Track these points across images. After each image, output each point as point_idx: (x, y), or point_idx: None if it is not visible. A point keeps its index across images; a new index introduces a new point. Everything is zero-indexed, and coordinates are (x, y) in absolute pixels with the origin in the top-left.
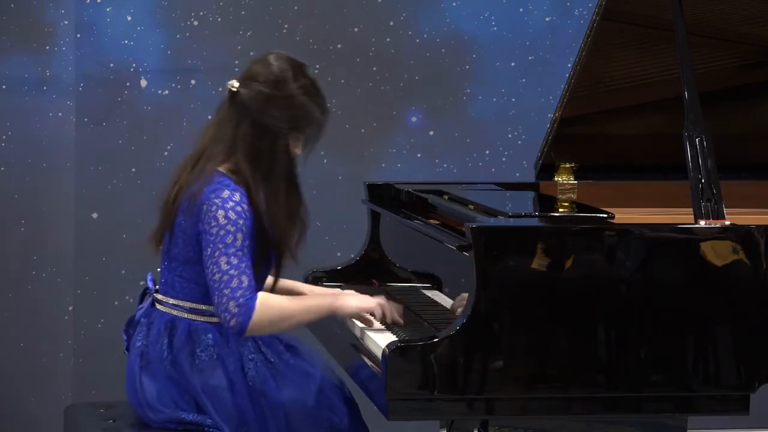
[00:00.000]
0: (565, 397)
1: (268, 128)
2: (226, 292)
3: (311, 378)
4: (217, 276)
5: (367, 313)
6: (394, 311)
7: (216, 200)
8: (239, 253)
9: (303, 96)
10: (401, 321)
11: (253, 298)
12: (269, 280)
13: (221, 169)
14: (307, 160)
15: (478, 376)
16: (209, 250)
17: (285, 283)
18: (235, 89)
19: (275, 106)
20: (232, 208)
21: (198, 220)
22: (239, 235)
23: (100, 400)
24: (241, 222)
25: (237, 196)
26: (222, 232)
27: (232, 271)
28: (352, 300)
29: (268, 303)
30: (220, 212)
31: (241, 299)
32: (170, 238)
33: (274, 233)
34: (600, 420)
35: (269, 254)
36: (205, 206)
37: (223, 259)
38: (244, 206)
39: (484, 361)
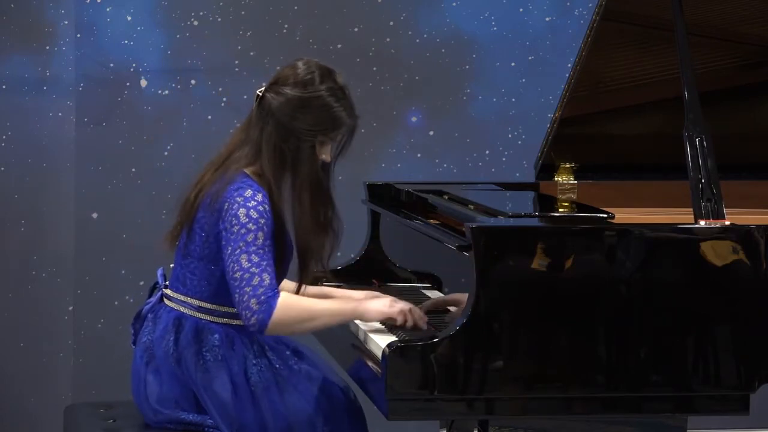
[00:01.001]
0: (565, 397)
1: (292, 131)
2: (248, 290)
3: (315, 384)
4: (237, 274)
5: (390, 319)
6: (418, 321)
7: (238, 198)
8: (260, 251)
9: (329, 98)
10: (424, 328)
11: (275, 296)
12: (291, 284)
13: (246, 171)
14: (333, 167)
15: (478, 376)
16: (230, 248)
17: (312, 290)
18: (261, 93)
19: (299, 109)
20: (254, 207)
21: (219, 217)
22: (260, 234)
23: (100, 400)
24: (262, 222)
25: (259, 197)
26: (243, 231)
27: (253, 269)
28: (376, 305)
29: (289, 302)
30: (242, 210)
31: (262, 297)
32: (188, 235)
33: (299, 238)
34: (600, 420)
35: (286, 259)
36: (226, 204)
37: (244, 257)
38: (266, 206)
39: (484, 361)
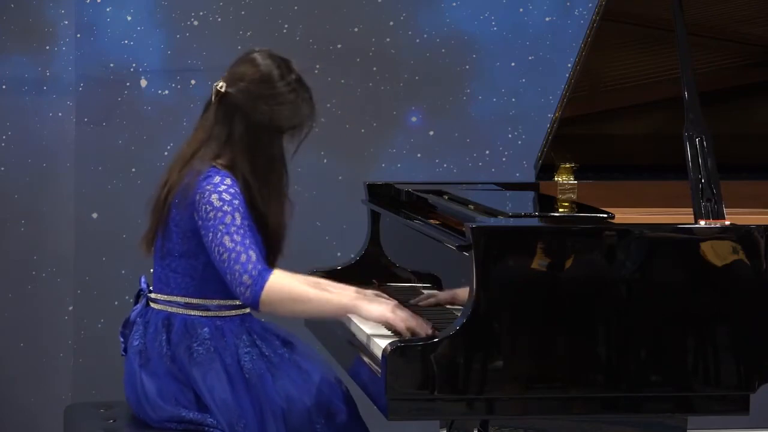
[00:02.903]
0: (565, 397)
1: (262, 127)
2: (237, 267)
3: (308, 373)
4: (224, 256)
5: (390, 325)
6: (418, 329)
7: (208, 186)
8: (241, 230)
9: (292, 93)
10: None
11: (267, 271)
12: None
13: (213, 163)
14: (294, 154)
15: (478, 376)
16: (210, 234)
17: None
18: (223, 90)
19: (266, 105)
20: (225, 191)
21: (193, 210)
22: (237, 215)
23: (100, 400)
24: (236, 203)
25: (228, 181)
26: (219, 214)
27: (238, 248)
28: (378, 308)
29: (284, 278)
30: (214, 196)
31: (253, 271)
32: (164, 235)
33: (276, 227)
34: (600, 420)
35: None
36: (198, 195)
37: (227, 238)
38: (236, 189)
39: (484, 360)
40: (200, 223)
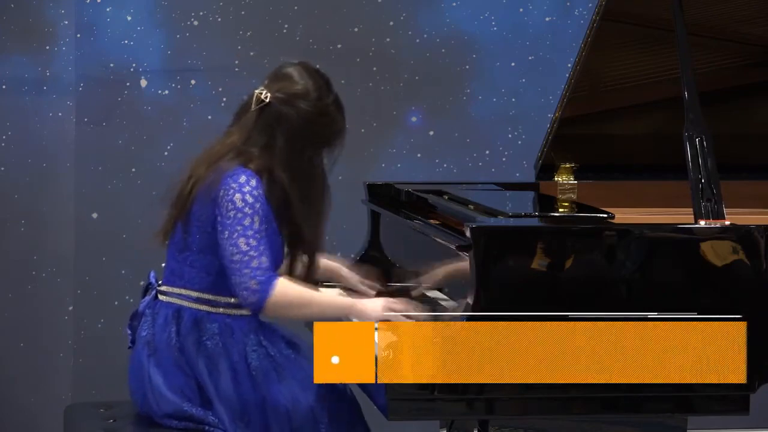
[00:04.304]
0: (565, 397)
1: (303, 141)
2: (246, 271)
3: (312, 374)
4: (237, 257)
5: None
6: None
7: (233, 185)
8: (257, 235)
9: (336, 111)
10: None
11: (274, 278)
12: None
13: (241, 165)
14: (330, 173)
15: None
16: (227, 232)
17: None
18: (267, 100)
19: (313, 124)
20: (249, 192)
21: (215, 205)
22: (256, 218)
23: (100, 400)
24: (258, 206)
25: (253, 182)
26: (239, 215)
27: (252, 252)
28: (374, 308)
29: (288, 285)
30: (237, 195)
31: (261, 277)
32: (185, 228)
33: (315, 239)
34: (600, 420)
35: (280, 250)
36: (222, 191)
37: (242, 240)
38: (260, 191)
39: None
40: (219, 219)
